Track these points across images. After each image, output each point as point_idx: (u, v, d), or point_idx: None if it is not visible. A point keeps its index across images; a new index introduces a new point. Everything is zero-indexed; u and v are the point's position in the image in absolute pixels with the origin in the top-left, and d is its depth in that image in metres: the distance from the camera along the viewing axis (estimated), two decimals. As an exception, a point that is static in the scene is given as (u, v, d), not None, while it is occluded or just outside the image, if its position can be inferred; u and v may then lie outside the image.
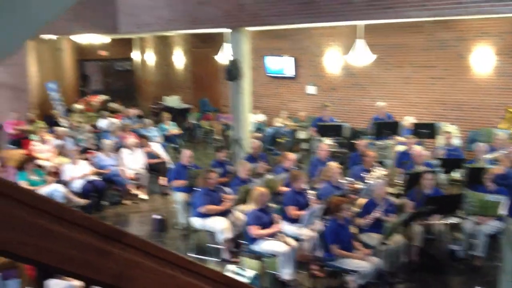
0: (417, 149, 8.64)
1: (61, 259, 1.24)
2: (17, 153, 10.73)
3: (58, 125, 12.94)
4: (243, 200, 7.22)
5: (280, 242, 6.34)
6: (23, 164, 8.98)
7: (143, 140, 10.96)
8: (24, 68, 13.57)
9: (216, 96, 17.48)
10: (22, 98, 13.62)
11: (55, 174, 9.56)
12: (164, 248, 1.55)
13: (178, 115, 16.41)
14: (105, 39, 16.80)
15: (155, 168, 10.66)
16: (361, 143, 9.13)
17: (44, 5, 2.68)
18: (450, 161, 8.59)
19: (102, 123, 13.66)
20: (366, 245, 6.33)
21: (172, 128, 13.54)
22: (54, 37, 14.91)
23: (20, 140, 12.10)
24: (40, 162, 9.86)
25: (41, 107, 14.74)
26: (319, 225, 6.59)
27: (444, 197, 7.10)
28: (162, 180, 10.32)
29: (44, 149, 10.85)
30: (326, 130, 10.64)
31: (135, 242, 1.43)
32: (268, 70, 15.30)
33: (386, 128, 10.14)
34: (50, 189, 8.70)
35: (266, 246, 6.35)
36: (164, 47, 20.42)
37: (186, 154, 8.83)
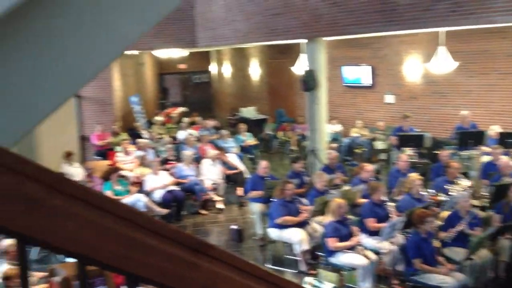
0: (504, 159, 8.21)
1: (154, 271, 1.28)
2: (103, 164, 11.27)
3: (140, 137, 13.46)
4: (320, 212, 7.16)
5: (359, 255, 6.22)
6: (108, 174, 9.40)
7: (221, 151, 11.15)
8: (109, 83, 14.24)
9: (292, 107, 17.51)
10: (107, 111, 14.29)
11: (138, 184, 9.94)
12: (249, 262, 1.56)
13: (254, 126, 16.57)
14: (184, 52, 17.31)
15: (232, 179, 10.82)
16: (444, 153, 8.82)
17: (132, 25, 2.80)
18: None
19: (181, 134, 14.05)
20: (450, 260, 6.08)
21: (249, 139, 13.69)
22: (136, 52, 15.55)
23: (106, 152, 12.69)
24: (123, 172, 10.30)
25: (125, 119, 15.40)
26: (399, 238, 6.42)
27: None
28: (239, 191, 10.44)
29: (127, 160, 11.31)
30: (407, 140, 10.36)
31: (221, 255, 1.45)
32: (345, 79, 15.14)
33: (470, 137, 9.73)
34: (133, 199, 9.04)
35: (344, 258, 6.25)
36: (240, 59, 20.76)
37: (263, 165, 8.89)
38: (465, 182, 7.77)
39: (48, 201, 1.08)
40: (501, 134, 9.74)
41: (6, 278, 5.00)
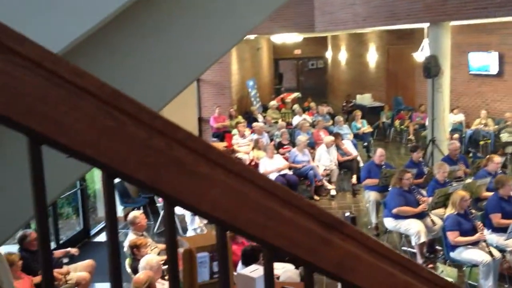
0: None
1: (289, 243, 1.29)
2: (220, 146, 11.64)
3: (256, 121, 13.72)
4: (440, 204, 6.84)
5: (482, 252, 5.87)
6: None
7: (337, 137, 11.03)
8: (227, 66, 14.62)
9: (411, 95, 16.85)
10: (224, 94, 14.71)
11: (252, 167, 10.15)
12: (383, 244, 1.51)
13: (370, 114, 16.20)
14: (298, 38, 17.31)
15: (346, 166, 10.68)
16: None
17: (254, 11, 2.84)
18: None
19: (296, 120, 14.11)
20: None
21: (364, 127, 13.41)
22: (253, 37, 15.81)
23: (222, 134, 13.10)
24: (239, 155, 10.57)
25: (240, 103, 15.77)
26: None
27: None
28: (353, 178, 10.29)
29: (242, 142, 11.59)
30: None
31: (354, 234, 1.42)
32: (470, 67, 14.25)
33: None
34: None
35: (466, 254, 5.92)
36: (357, 45, 20.33)
37: (379, 153, 8.66)
38: None
39: (195, 167, 1.12)
40: None
41: (135, 246, 5.35)
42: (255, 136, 11.61)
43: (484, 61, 13.81)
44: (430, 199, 7.08)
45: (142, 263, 4.84)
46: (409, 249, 7.22)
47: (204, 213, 1.15)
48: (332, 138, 10.79)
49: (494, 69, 13.49)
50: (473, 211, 6.48)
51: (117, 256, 1.10)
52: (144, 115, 1.03)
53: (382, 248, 1.49)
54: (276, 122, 13.76)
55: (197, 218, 7.92)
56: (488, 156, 8.24)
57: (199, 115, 14.54)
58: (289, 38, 15.84)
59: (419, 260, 6.91)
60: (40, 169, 0.98)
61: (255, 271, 4.09)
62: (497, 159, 7.72)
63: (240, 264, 4.94)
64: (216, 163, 1.15)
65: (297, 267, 5.46)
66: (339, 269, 1.39)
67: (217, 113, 13.78)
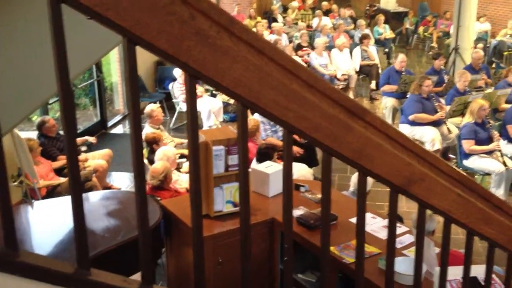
0: None
1: (310, 126, 1.27)
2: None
3: (275, 21, 13.36)
4: (458, 112, 6.78)
5: (495, 161, 5.89)
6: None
7: (366, 38, 10.73)
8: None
9: (437, 1, 16.18)
10: (244, -8, 14.25)
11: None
12: (403, 134, 1.50)
13: (393, 19, 15.68)
14: None
15: (365, 71, 10.50)
16: None
17: None
18: None
19: (316, 22, 13.71)
20: None
21: (386, 32, 13.02)
22: None
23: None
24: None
25: (260, 2, 15.28)
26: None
27: None
28: (372, 84, 10.16)
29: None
30: None
31: (376, 122, 1.40)
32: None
33: None
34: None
35: (479, 163, 5.95)
36: None
37: (400, 59, 8.47)
38: None
39: (219, 40, 1.08)
40: None
41: (152, 139, 5.43)
42: (274, 37, 11.35)
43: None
44: (448, 107, 7.00)
45: (159, 154, 4.94)
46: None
47: (226, 89, 1.13)
48: (344, 40, 10.54)
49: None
50: (491, 121, 6.41)
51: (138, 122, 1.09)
52: (166, -21, 0.98)
53: (402, 138, 1.47)
54: (296, 23, 13.40)
55: (213, 115, 7.97)
56: (509, 67, 8.02)
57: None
58: None
59: (431, 167, 6.96)
60: (61, 30, 0.95)
61: (270, 167, 4.16)
62: (518, 70, 7.54)
63: (254, 161, 5.02)
64: (239, 38, 1.11)
65: (310, 166, 5.55)
66: (358, 156, 1.38)
67: (236, 11, 13.40)
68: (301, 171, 5.19)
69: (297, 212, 3.72)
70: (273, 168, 4.18)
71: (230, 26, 1.08)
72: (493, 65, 11.66)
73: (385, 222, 3.53)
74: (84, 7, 0.92)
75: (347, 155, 1.37)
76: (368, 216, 3.74)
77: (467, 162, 6.08)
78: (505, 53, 11.96)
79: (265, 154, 4.91)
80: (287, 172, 1.31)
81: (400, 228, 3.52)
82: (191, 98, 1.13)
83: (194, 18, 1.03)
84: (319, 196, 4.34)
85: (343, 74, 10.12)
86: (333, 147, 1.34)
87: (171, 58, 1.03)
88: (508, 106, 6.84)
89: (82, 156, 5.50)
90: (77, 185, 1.09)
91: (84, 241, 1.12)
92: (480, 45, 11.67)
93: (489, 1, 13.95)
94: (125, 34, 0.98)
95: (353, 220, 3.38)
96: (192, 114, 1.13)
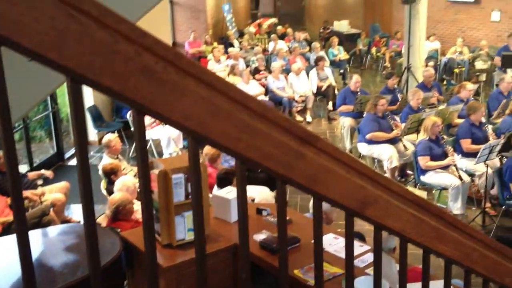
0: None
1: (262, 155, 1.28)
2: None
3: (232, 46, 13.48)
4: (412, 129, 6.95)
5: (451, 176, 6.04)
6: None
7: (321, 61, 10.93)
8: (201, -11, 14.19)
9: (388, 21, 16.67)
10: (199, 18, 14.34)
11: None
12: (355, 158, 1.53)
13: (347, 40, 16.05)
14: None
15: (322, 93, 10.68)
16: (554, 76, 8.13)
17: None
18: None
19: (272, 46, 13.91)
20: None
21: (340, 53, 13.31)
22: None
23: (198, 59, 12.88)
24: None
25: (216, 27, 15.41)
26: (496, 161, 6.13)
27: None
28: (329, 105, 10.33)
29: (218, 68, 11.43)
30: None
31: (328, 148, 1.42)
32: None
33: None
34: (223, 106, 9.21)
35: (436, 178, 6.10)
36: (335, -31, 19.81)
37: (355, 80, 8.66)
38: None
39: (166, 75, 1.08)
40: None
41: (109, 170, 5.35)
42: (231, 62, 11.45)
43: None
44: (403, 125, 7.18)
45: (118, 184, 4.86)
46: (382, 173, 7.37)
47: (175, 123, 1.13)
48: (300, 65, 10.72)
49: (471, -4, 13.38)
50: (445, 136, 6.60)
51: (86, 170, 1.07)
52: (108, 19, 0.98)
53: (355, 162, 1.50)
54: (252, 48, 13.56)
55: (172, 142, 7.92)
56: (461, 83, 8.31)
57: (173, 40, 14.22)
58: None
59: (390, 184, 7.08)
60: (1, 73, 0.93)
61: (230, 192, 4.15)
62: (470, 86, 7.81)
63: (215, 188, 5.00)
64: (186, 72, 1.11)
65: (272, 189, 5.57)
66: (311, 182, 1.40)
67: (192, 38, 13.47)
68: (262, 194, 5.20)
69: (259, 237, 3.71)
70: (234, 193, 4.17)
71: (176, 61, 1.09)
72: (445, 82, 12.05)
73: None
74: (25, 49, 0.91)
75: (301, 182, 1.38)
76: (331, 236, 3.77)
77: (424, 178, 6.22)
78: (455, 70, 12.38)
79: (224, 179, 4.91)
80: (242, 203, 1.32)
81: (362, 247, 3.56)
82: (139, 134, 1.13)
83: (139, 54, 1.03)
84: (281, 219, 4.35)
85: (300, 96, 10.26)
86: (287, 174, 1.35)
87: (117, 95, 1.03)
88: (461, 121, 7.06)
89: (38, 190, 5.36)
90: (22, 225, 1.06)
91: (32, 282, 1.09)
92: (431, 63, 12.04)
93: (438, 20, 14.47)
94: (69, 73, 0.97)
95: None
96: (142, 150, 1.13)
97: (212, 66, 11.56)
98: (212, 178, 5.30)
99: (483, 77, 11.67)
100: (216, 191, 4.66)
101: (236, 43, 14.33)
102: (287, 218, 4.35)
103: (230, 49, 12.49)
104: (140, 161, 1.14)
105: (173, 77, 1.09)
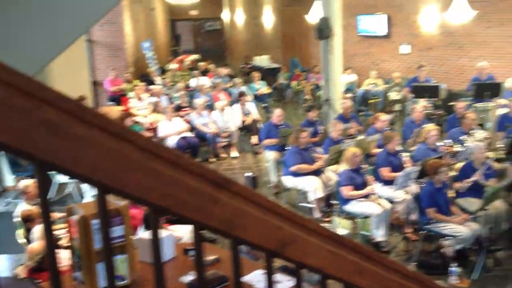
0: (522, 112, 8.07)
1: (175, 203, 1.26)
2: (116, 110, 11.27)
3: (153, 83, 13.40)
4: (334, 160, 7.14)
5: (373, 204, 6.24)
6: (122, 120, 9.40)
7: (243, 96, 11.07)
8: (120, 27, 14.06)
9: (306, 56, 17.25)
10: (119, 56, 14.18)
11: (151, 131, 9.97)
12: (271, 200, 1.54)
13: (268, 75, 16.42)
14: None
15: (246, 127, 10.79)
16: (460, 105, 8.67)
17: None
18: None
19: (194, 82, 13.97)
20: (464, 210, 6.07)
21: (262, 88, 13.57)
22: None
23: (119, 97, 12.68)
24: (137, 118, 10.32)
25: (137, 65, 15.30)
26: (414, 187, 6.40)
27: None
28: (253, 139, 10.44)
29: (140, 106, 11.30)
30: (422, 91, 10.20)
31: (243, 191, 1.43)
32: (360, 29, 14.80)
33: (486, 89, 9.54)
34: (147, 145, 9.07)
35: (358, 207, 6.27)
36: (253, 6, 20.36)
37: (277, 113, 8.84)
38: (480, 134, 7.66)
39: (68, 128, 1.05)
40: (520, 86, 9.52)
41: (27, 217, 5.08)
42: (153, 99, 11.36)
43: (372, 23, 14.39)
44: (326, 156, 7.36)
45: (36, 232, 4.62)
46: (307, 204, 7.50)
47: (83, 176, 1.10)
48: (223, 103, 10.83)
49: (381, 31, 14.13)
50: (365, 166, 6.84)
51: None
52: (2, 73, 0.94)
53: (271, 204, 1.51)
54: (175, 85, 13.54)
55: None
56: (375, 114, 8.67)
57: (93, 79, 13.94)
58: (185, -2, 15.49)
59: (317, 215, 7.22)
60: None
61: (155, 235, 4.04)
62: (384, 117, 8.17)
63: (142, 229, 4.88)
64: (91, 124, 1.09)
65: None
66: (228, 226, 1.39)
67: (113, 76, 13.27)
68: (190, 233, 5.12)
69: (187, 278, 3.62)
70: (160, 234, 4.07)
71: (79, 113, 1.06)
72: (362, 113, 12.55)
73: (277, 277, 3.55)
74: None
75: (218, 226, 1.37)
76: (259, 273, 3.74)
77: (347, 207, 6.38)
78: (371, 101, 12.94)
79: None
80: (156, 254, 1.28)
81: (289, 282, 3.56)
82: (42, 189, 1.08)
83: (39, 108, 0.99)
84: (210, 258, 4.29)
85: (225, 132, 10.31)
86: (202, 220, 1.34)
87: (15, 151, 0.98)
88: (379, 150, 7.34)
89: None
90: None
91: None
92: (348, 95, 12.54)
93: (353, 54, 15.14)
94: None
95: (246, 278, 3.37)
96: (44, 206, 1.08)
97: (134, 104, 11.41)
98: (136, 220, 5.17)
99: (397, 107, 12.26)
100: (141, 233, 4.54)
101: (158, 80, 14.27)
102: (215, 256, 4.29)
103: (152, 87, 12.41)
104: (44, 217, 1.09)
105: (77, 130, 1.06)
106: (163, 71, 15.97)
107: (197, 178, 1.31)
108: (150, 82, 13.65)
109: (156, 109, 10.74)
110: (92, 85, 13.88)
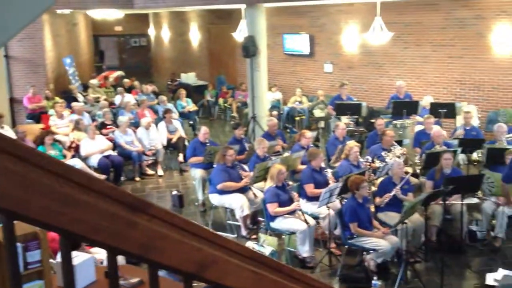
0: (436, 128, 8.51)
1: (88, 228, 1.22)
2: (36, 128, 10.82)
3: (76, 100, 12.99)
4: (261, 178, 7.19)
5: (298, 220, 6.32)
6: (42, 138, 9.04)
7: (168, 113, 10.95)
8: (40, 42, 13.55)
9: (233, 74, 17.38)
10: (39, 73, 13.65)
11: (73, 149, 9.64)
12: (190, 221, 1.52)
13: (194, 92, 16.38)
14: (119, 14, 16.69)
15: (172, 145, 10.68)
16: (379, 122, 9.02)
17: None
18: (469, 141, 8.45)
19: (118, 99, 13.68)
20: (384, 224, 6.29)
21: (189, 105, 13.50)
22: (68, 11, 14.81)
23: (38, 115, 12.18)
24: (58, 137, 9.95)
25: (58, 82, 14.79)
26: (337, 203, 6.56)
27: (463, 177, 7.01)
28: (180, 157, 10.34)
29: (61, 124, 10.90)
30: (344, 108, 10.53)
31: (160, 214, 1.40)
32: (285, 47, 15.13)
33: (404, 107, 9.99)
34: (69, 164, 8.75)
35: (284, 223, 6.34)
36: (179, 23, 20.30)
37: (203, 131, 8.80)
38: (399, 150, 8.00)
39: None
40: (433, 104, 10.05)
41: None
42: (75, 117, 11.00)
43: (296, 42, 14.76)
44: (252, 173, 7.40)
45: None
46: (234, 222, 7.49)
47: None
48: (148, 120, 10.67)
49: (306, 50, 14.51)
50: (290, 182, 6.94)
51: None
52: None
53: (191, 225, 1.49)
54: (98, 102, 13.19)
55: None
56: (301, 131, 8.85)
57: (10, 95, 13.32)
58: (109, 14, 15.18)
59: (243, 232, 7.22)
60: None
61: (75, 258, 3.89)
62: (309, 134, 8.34)
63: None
64: (-3, 148, 1.03)
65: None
66: (145, 250, 1.36)
67: (32, 93, 12.73)
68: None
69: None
70: (79, 258, 3.94)
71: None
72: (288, 130, 12.77)
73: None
74: None
75: (134, 251, 1.34)
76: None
77: (273, 224, 6.43)
78: (297, 118, 13.21)
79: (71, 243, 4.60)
80: (67, 281, 1.23)
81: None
82: None
83: None
84: (132, 280, 4.17)
85: (150, 149, 10.15)
86: (118, 245, 1.29)
87: None
88: (304, 167, 7.47)
89: None
90: None
91: None
92: (274, 112, 12.77)
93: (278, 72, 15.43)
94: None
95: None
96: None
97: (54, 121, 10.99)
98: (57, 243, 4.95)
99: (321, 124, 12.58)
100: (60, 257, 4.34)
101: (80, 97, 13.85)
102: (138, 279, 4.16)
103: (73, 104, 12.01)
104: None
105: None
106: (85, 88, 15.53)
107: (112, 202, 1.27)
108: (73, 99, 13.22)
109: (77, 127, 10.40)
110: (10, 102, 13.25)
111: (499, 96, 10.85)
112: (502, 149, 7.34)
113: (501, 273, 5.87)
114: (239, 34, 12.52)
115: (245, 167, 7.87)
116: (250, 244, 6.42)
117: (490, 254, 6.59)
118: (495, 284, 5.68)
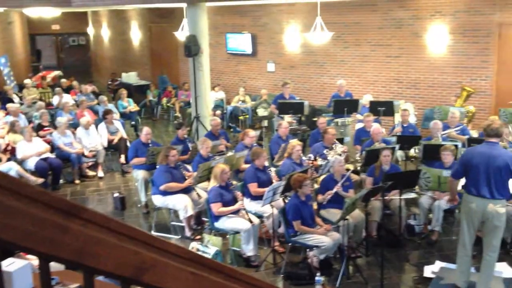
0: (375, 126, 8.74)
1: (19, 235, 1.17)
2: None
3: (11, 101, 12.50)
4: (204, 178, 7.16)
5: (242, 219, 6.34)
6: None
7: (109, 114, 10.69)
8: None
9: (176, 73, 17.21)
10: (-30, 73, 13.06)
11: (8, 152, 9.26)
12: (126, 224, 1.49)
13: (136, 92, 16.10)
14: (56, 12, 16.18)
15: (114, 146, 10.46)
16: (321, 120, 9.17)
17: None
18: (407, 138, 8.74)
19: (56, 99, 13.26)
20: (326, 221, 6.40)
21: (130, 105, 13.26)
22: (1, 9, 14.22)
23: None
24: (-9, 139, 9.53)
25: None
26: (280, 201, 6.62)
27: (401, 173, 7.23)
28: (121, 158, 10.14)
29: (-5, 126, 10.45)
30: (287, 107, 10.63)
31: (95, 218, 1.37)
32: (228, 47, 15.13)
33: (345, 106, 10.21)
34: (4, 168, 8.42)
35: (228, 223, 6.33)
36: (119, 22, 19.92)
37: (145, 131, 8.67)
38: (340, 148, 8.16)
39: None
40: (373, 102, 10.33)
41: None
42: (10, 118, 10.57)
43: (239, 41, 14.79)
44: (195, 173, 7.35)
45: None
46: (178, 223, 7.43)
47: None
48: (88, 119, 10.41)
49: (248, 49, 14.56)
50: (234, 182, 6.94)
51: None
52: None
53: (127, 229, 1.46)
54: (35, 103, 12.74)
55: None
56: (244, 130, 8.87)
57: None
58: (45, 12, 14.68)
59: (188, 233, 7.17)
60: None
61: (12, 264, 3.74)
62: (252, 133, 8.36)
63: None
64: None
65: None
66: (79, 256, 1.32)
67: (-37, 94, 12.16)
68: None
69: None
70: (16, 264, 3.78)
71: None
72: (231, 129, 12.78)
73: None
74: None
75: (68, 257, 1.30)
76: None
77: (218, 224, 6.41)
78: (240, 118, 13.24)
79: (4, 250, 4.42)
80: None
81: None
82: None
83: None
84: (72, 286, 4.05)
85: (90, 151, 9.91)
86: (50, 252, 1.25)
87: None
88: (247, 166, 7.49)
89: None
90: None
91: None
92: (218, 112, 12.75)
93: (221, 72, 15.41)
94: None
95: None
96: None
97: (-12, 124, 10.52)
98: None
99: (265, 123, 12.67)
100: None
101: (15, 98, 13.33)
102: (78, 284, 4.06)
103: (8, 105, 11.53)
104: None
105: None
106: (21, 88, 14.97)
107: (43, 207, 1.23)
108: (8, 100, 12.70)
109: (13, 129, 10.00)
110: None
111: (434, 94, 11.28)
112: (437, 145, 7.61)
113: (438, 265, 6.11)
114: (181, 33, 12.40)
115: (189, 167, 7.82)
116: (194, 245, 6.39)
117: (427, 247, 6.83)
118: (433, 276, 5.91)
